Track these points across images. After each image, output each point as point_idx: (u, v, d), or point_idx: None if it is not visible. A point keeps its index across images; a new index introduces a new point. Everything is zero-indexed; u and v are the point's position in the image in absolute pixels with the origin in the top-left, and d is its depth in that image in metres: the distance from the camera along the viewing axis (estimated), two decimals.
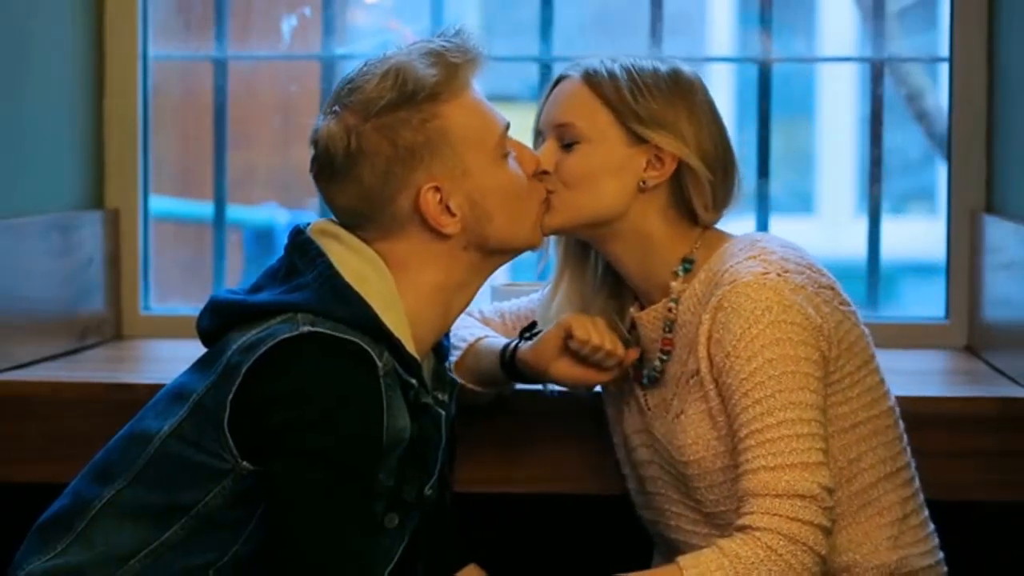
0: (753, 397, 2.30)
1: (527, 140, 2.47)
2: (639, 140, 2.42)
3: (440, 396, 2.39)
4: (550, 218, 2.42)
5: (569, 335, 2.47)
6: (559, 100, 2.46)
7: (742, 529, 2.27)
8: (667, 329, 2.45)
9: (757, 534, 2.26)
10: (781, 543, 2.25)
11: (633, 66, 2.44)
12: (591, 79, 2.44)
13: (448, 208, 2.30)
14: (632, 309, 2.53)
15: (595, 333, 2.46)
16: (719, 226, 2.50)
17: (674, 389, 2.44)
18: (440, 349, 2.44)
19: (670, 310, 2.44)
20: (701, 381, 2.38)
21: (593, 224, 2.44)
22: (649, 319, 2.48)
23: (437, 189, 2.29)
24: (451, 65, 2.30)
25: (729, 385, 2.33)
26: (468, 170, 2.31)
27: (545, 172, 2.42)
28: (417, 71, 2.28)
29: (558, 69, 2.55)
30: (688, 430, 2.40)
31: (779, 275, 2.35)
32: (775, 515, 2.26)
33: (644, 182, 2.43)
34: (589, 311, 2.52)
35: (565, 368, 2.51)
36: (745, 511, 2.28)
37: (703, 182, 2.43)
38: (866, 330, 2.44)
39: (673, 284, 2.45)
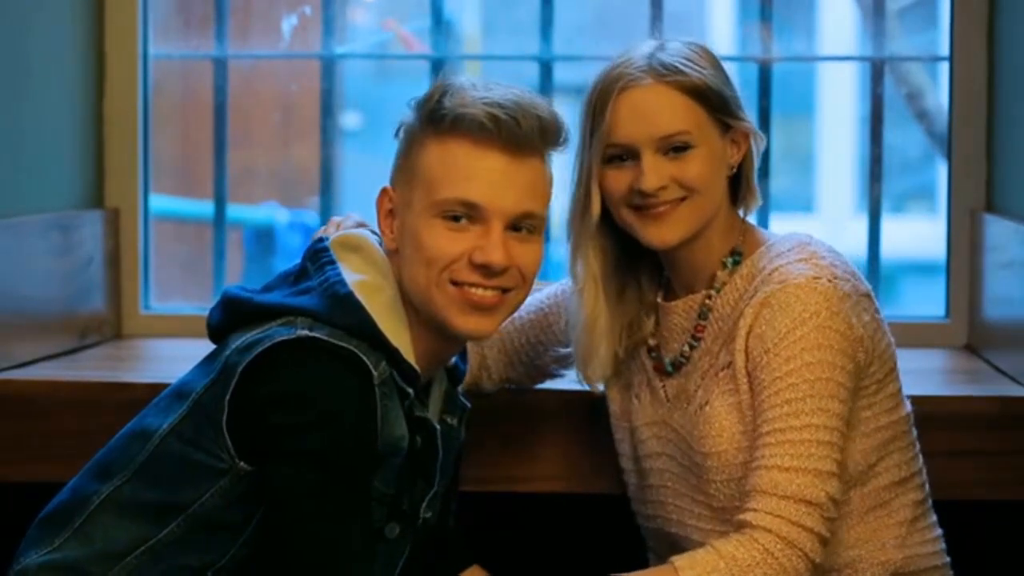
0: (784, 396, 2.31)
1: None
2: (726, 128, 2.42)
3: (450, 420, 2.41)
4: (673, 231, 2.39)
5: None
6: (656, 111, 2.39)
7: (742, 525, 2.27)
8: (702, 316, 2.45)
9: (756, 535, 2.26)
10: (778, 546, 2.25)
11: (691, 57, 2.40)
12: (680, 83, 2.38)
13: (392, 222, 2.32)
14: (658, 298, 2.52)
15: None
16: None
17: (699, 380, 2.44)
18: (455, 372, 2.44)
19: (709, 297, 2.44)
20: (734, 375, 2.38)
21: (707, 223, 2.42)
22: (684, 307, 2.47)
23: (391, 198, 2.32)
24: (456, 109, 2.27)
25: (761, 381, 2.33)
26: (411, 205, 2.30)
27: (663, 187, 2.37)
28: (438, 97, 2.28)
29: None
30: (713, 422, 2.40)
31: (830, 281, 2.35)
32: (778, 516, 2.26)
33: (732, 167, 2.44)
34: (605, 322, 2.50)
35: None
36: (749, 507, 2.29)
37: (759, 147, 2.45)
38: (892, 338, 2.45)
39: (719, 274, 2.44)
